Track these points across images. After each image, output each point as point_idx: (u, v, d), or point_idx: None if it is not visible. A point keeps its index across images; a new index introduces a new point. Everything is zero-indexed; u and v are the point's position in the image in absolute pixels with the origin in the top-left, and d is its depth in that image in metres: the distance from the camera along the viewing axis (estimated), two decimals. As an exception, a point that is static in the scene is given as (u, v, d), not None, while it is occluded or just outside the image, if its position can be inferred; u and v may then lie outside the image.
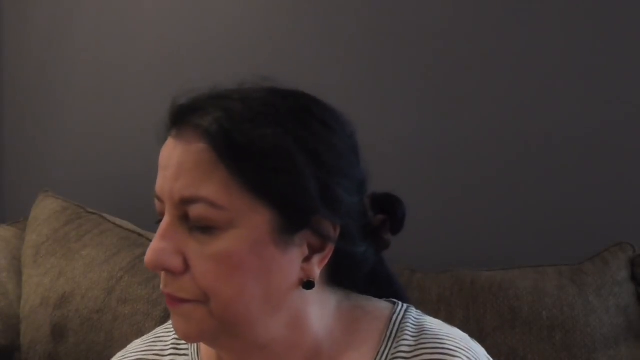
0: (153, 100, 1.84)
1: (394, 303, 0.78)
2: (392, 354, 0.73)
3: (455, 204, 1.58)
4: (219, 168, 0.65)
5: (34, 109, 1.99)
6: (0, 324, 1.52)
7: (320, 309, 0.73)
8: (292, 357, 0.72)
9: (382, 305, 0.78)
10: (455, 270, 1.40)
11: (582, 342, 1.25)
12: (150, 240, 1.57)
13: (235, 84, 0.71)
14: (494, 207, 1.55)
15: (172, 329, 0.80)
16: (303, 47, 1.69)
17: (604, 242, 1.38)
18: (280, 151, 0.66)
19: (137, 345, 0.83)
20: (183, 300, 0.67)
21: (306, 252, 0.69)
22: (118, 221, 1.64)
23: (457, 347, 0.72)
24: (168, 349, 0.80)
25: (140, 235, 1.60)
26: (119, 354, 0.83)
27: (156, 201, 0.70)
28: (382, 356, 0.73)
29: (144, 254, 1.63)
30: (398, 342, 0.73)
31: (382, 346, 0.74)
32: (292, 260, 0.68)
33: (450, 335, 0.74)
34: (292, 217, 0.67)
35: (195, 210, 0.66)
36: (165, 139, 0.70)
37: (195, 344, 0.79)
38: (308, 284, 0.69)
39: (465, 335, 0.76)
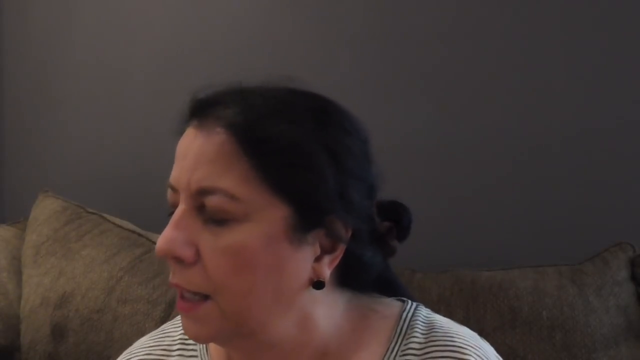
0: (153, 101, 1.85)
1: (404, 301, 0.78)
2: (402, 351, 0.73)
3: (455, 204, 1.58)
4: (240, 160, 0.65)
5: (33, 109, 1.99)
6: (0, 324, 1.52)
7: (329, 309, 0.73)
8: (300, 356, 0.72)
9: (391, 304, 0.78)
10: (455, 270, 1.40)
11: (582, 342, 1.25)
12: (151, 241, 1.59)
13: (258, 81, 0.71)
14: (494, 207, 1.55)
15: (180, 325, 0.80)
16: (305, 47, 1.68)
17: (604, 242, 1.38)
18: (302, 148, 0.66)
19: (144, 341, 0.82)
20: (193, 302, 0.67)
21: (318, 251, 0.69)
22: (118, 221, 1.64)
23: (467, 344, 0.72)
24: (176, 344, 0.80)
25: (140, 235, 1.60)
26: (127, 351, 0.82)
27: (169, 191, 0.69)
28: (392, 353, 0.73)
29: (144, 254, 1.64)
30: (408, 339, 0.73)
31: (392, 343, 0.73)
32: (304, 259, 0.68)
33: (460, 333, 0.74)
34: (308, 215, 0.67)
35: (212, 201, 0.65)
36: (182, 132, 0.70)
37: None
38: (318, 284, 0.69)
39: (474, 334, 0.76)
